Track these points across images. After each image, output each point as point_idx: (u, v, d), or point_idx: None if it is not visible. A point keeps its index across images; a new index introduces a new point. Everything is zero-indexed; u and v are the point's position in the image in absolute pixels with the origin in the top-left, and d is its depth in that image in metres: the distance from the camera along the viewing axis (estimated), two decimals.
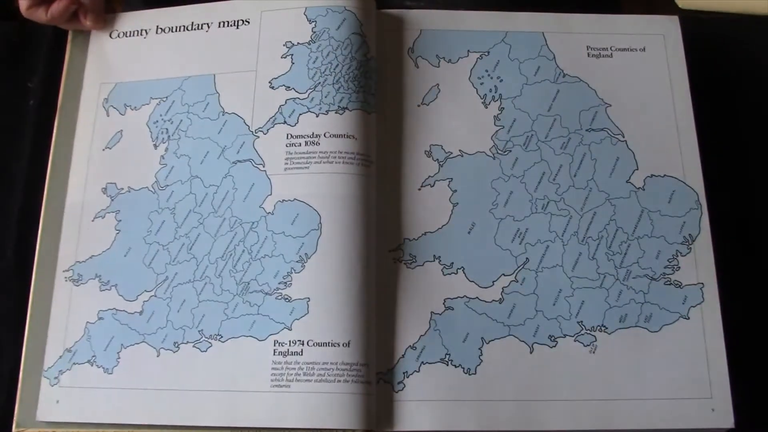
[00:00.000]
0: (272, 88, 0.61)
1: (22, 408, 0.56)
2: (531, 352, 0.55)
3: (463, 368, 0.55)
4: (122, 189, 0.61)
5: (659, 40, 0.63)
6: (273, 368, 0.54)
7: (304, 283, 0.56)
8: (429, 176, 0.60)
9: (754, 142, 0.67)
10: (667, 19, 0.64)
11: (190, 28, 0.64)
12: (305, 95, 0.60)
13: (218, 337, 0.56)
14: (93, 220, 0.60)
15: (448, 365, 0.55)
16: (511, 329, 0.56)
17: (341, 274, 0.56)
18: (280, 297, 0.56)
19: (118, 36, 0.65)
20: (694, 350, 0.55)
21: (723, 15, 0.74)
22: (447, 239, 0.58)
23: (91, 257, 0.59)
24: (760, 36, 0.70)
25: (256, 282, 0.57)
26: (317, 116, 0.59)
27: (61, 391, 0.56)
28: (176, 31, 0.64)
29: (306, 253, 0.56)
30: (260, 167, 0.59)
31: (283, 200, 0.58)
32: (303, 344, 0.54)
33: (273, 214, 0.58)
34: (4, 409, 0.57)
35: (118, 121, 0.63)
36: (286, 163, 0.59)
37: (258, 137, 0.60)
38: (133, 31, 0.65)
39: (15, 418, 0.56)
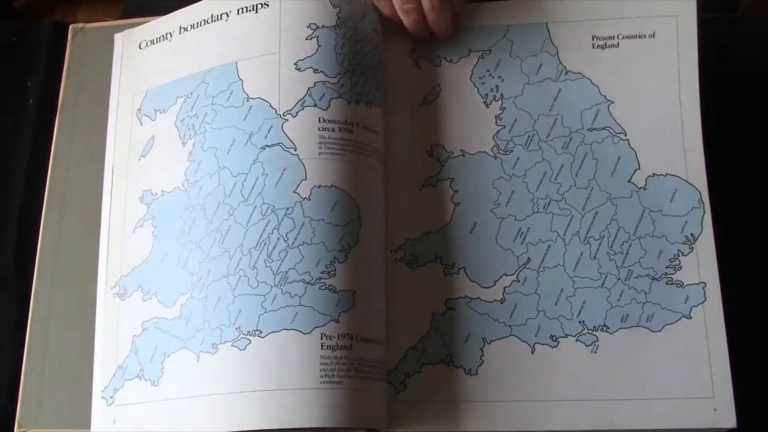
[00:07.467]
0: (299, 69, 0.57)
1: (24, 409, 0.56)
2: (532, 352, 0.55)
3: (465, 368, 0.55)
4: (156, 194, 0.59)
5: (671, 22, 0.61)
6: (322, 363, 0.51)
7: (348, 274, 0.52)
8: (430, 176, 0.59)
9: (757, 140, 0.66)
10: None
11: (209, 20, 0.61)
12: (335, 80, 0.57)
13: (257, 333, 0.51)
14: (134, 231, 0.59)
15: (449, 366, 0.55)
16: (513, 329, 0.56)
17: (380, 268, 0.55)
18: (324, 287, 0.52)
19: (147, 45, 0.64)
20: (696, 350, 0.55)
21: (723, 15, 0.74)
22: (448, 239, 0.58)
23: (133, 269, 0.58)
24: (762, 36, 0.70)
25: (296, 271, 0.52)
26: (348, 104, 0.57)
27: (117, 410, 0.55)
28: (197, 27, 0.62)
29: (348, 243, 0.53)
30: (291, 151, 0.55)
31: (320, 186, 0.54)
32: (352, 338, 0.51)
33: (309, 199, 0.54)
34: (5, 409, 0.57)
35: (149, 128, 0.61)
36: (320, 147, 0.55)
37: (287, 120, 0.56)
38: (159, 37, 0.63)
39: (17, 419, 0.56)
